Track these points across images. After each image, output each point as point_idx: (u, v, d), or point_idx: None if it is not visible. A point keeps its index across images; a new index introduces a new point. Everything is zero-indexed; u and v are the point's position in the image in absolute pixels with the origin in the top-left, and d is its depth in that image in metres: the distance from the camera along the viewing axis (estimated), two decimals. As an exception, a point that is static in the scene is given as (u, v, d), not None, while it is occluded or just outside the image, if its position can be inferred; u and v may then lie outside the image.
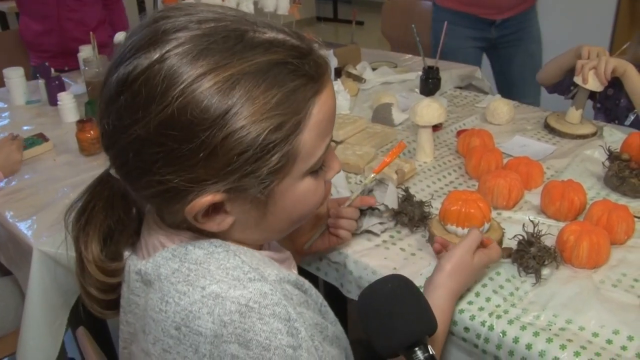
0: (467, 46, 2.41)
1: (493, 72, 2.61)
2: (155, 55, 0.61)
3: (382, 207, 1.18)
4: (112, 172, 0.72)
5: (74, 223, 0.77)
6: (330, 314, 0.79)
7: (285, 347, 0.63)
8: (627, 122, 1.71)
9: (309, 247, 1.11)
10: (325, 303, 0.78)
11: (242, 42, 0.62)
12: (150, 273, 0.70)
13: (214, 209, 0.67)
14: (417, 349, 0.77)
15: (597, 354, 0.88)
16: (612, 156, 1.39)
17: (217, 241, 0.71)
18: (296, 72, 0.64)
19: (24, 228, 1.32)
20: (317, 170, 0.72)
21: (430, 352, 0.77)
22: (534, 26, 2.47)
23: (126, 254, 0.77)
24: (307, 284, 0.74)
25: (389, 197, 1.18)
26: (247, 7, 2.12)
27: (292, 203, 0.71)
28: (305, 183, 0.70)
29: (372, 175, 1.12)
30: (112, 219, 0.77)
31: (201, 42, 0.61)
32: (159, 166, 0.62)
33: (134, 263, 0.74)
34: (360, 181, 1.40)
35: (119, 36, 2.14)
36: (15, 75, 2.14)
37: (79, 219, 0.77)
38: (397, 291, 0.82)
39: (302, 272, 1.10)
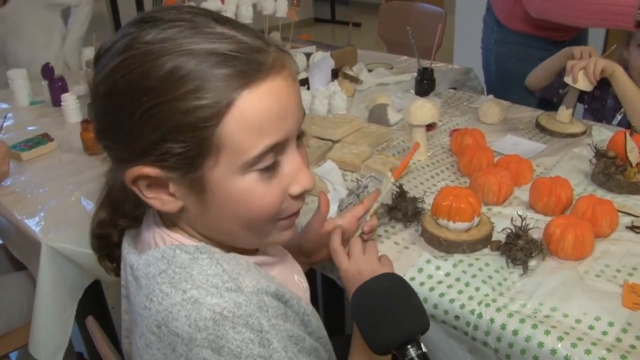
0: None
1: None
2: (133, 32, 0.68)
3: (376, 203, 1.23)
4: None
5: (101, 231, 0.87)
6: (313, 323, 0.80)
7: (256, 356, 0.66)
8: (615, 122, 1.77)
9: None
10: (309, 311, 0.80)
11: (194, 29, 0.67)
12: (140, 269, 0.74)
13: (157, 184, 0.71)
14: (409, 346, 0.78)
15: (579, 339, 0.93)
16: (599, 154, 1.44)
17: (204, 247, 0.74)
18: (227, 62, 0.65)
19: (33, 224, 1.38)
20: (268, 171, 0.71)
21: (423, 350, 0.79)
22: (586, 37, 2.35)
23: (125, 245, 0.82)
24: (288, 294, 0.75)
25: (384, 193, 1.23)
26: (247, 9, 2.17)
27: (232, 199, 0.71)
28: (246, 181, 0.70)
29: (392, 180, 1.11)
30: (114, 207, 0.85)
31: (160, 23, 0.67)
32: (107, 134, 0.71)
33: (129, 257, 0.78)
34: (357, 179, 1.45)
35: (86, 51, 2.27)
36: (18, 76, 2.19)
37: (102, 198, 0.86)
38: (391, 289, 0.83)
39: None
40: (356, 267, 0.97)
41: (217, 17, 0.70)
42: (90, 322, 0.99)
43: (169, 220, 0.78)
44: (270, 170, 0.71)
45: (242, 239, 0.77)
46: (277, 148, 0.71)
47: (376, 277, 0.86)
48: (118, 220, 0.86)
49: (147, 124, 0.66)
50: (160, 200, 0.72)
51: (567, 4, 1.70)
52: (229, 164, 0.68)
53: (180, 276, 0.70)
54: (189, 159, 0.67)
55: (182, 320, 0.67)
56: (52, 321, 1.35)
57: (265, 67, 0.67)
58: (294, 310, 0.77)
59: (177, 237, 0.76)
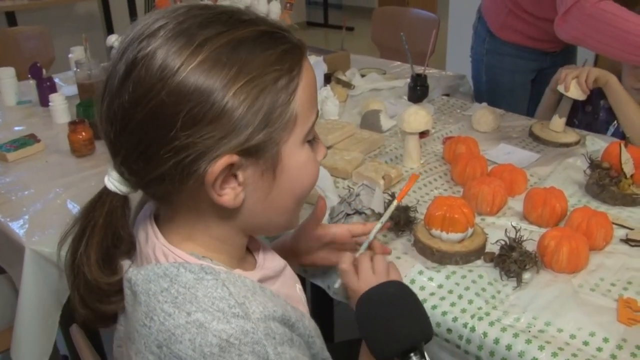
0: (527, 80, 2.23)
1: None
2: (160, 32, 0.65)
3: (368, 211, 1.21)
4: (110, 183, 0.73)
5: (73, 247, 0.76)
6: (317, 344, 0.80)
7: None
8: (609, 134, 1.76)
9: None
10: (314, 333, 0.79)
11: (232, 18, 0.69)
12: (140, 285, 0.71)
13: (227, 179, 0.69)
14: (412, 354, 0.78)
15: (574, 355, 0.91)
16: (593, 164, 1.43)
17: (209, 267, 0.71)
18: (283, 38, 0.70)
19: (16, 227, 1.34)
20: (312, 142, 0.76)
21: (426, 358, 0.79)
22: (575, 48, 2.31)
23: (124, 263, 0.78)
24: (294, 317, 0.75)
25: (375, 201, 1.21)
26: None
27: (296, 172, 0.73)
28: (305, 151, 0.74)
29: (394, 203, 1.07)
30: (112, 236, 0.76)
31: (197, 20, 0.67)
32: (178, 130, 0.64)
33: (128, 270, 0.75)
34: (348, 186, 1.43)
35: (112, 38, 2.16)
36: (6, 75, 2.15)
37: (80, 242, 0.76)
38: (395, 297, 0.83)
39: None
40: (366, 286, 0.93)
41: (238, 8, 0.73)
42: (75, 331, 0.96)
43: (180, 231, 0.75)
44: (312, 141, 0.76)
45: (284, 220, 0.80)
46: None
47: (380, 284, 0.86)
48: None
49: (240, 104, 0.65)
50: (232, 194, 0.70)
51: (612, 34, 1.54)
52: (297, 135, 0.72)
53: (185, 297, 0.68)
54: (279, 131, 0.69)
55: (186, 343, 0.65)
56: (36, 327, 1.32)
57: (302, 42, 0.73)
58: (300, 334, 0.76)
59: (180, 254, 0.73)
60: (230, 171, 0.68)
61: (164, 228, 0.76)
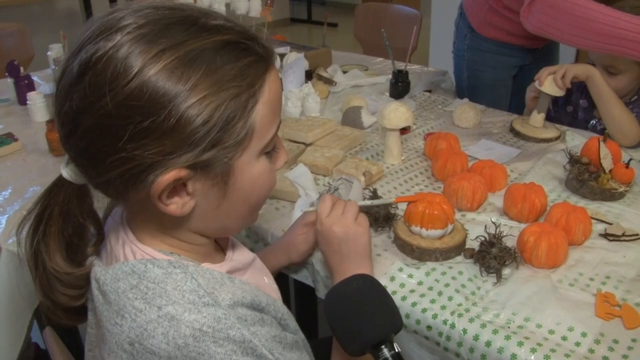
0: (509, 76, 2.22)
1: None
2: (117, 36, 0.63)
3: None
4: (66, 173, 0.72)
5: (31, 235, 0.75)
6: (291, 326, 0.80)
7: None
8: (590, 126, 1.77)
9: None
10: (285, 314, 0.80)
11: (196, 25, 0.66)
12: (108, 284, 0.70)
13: (175, 189, 0.68)
14: (383, 346, 0.79)
15: (553, 350, 0.91)
16: (573, 160, 1.43)
17: (177, 261, 0.71)
18: (248, 50, 0.68)
19: (-8, 227, 1.32)
20: (270, 153, 0.75)
21: (396, 350, 0.80)
22: (557, 45, 2.30)
23: (90, 259, 0.77)
24: (264, 302, 0.75)
25: (354, 193, 1.21)
26: (219, 9, 2.13)
27: (249, 183, 0.73)
28: (261, 163, 0.73)
29: (390, 200, 1.17)
30: (71, 225, 0.76)
31: (159, 24, 0.64)
32: (125, 141, 0.63)
33: (95, 269, 0.75)
34: (329, 183, 1.42)
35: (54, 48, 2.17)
36: (-17, 74, 2.13)
37: (37, 229, 0.75)
38: (362, 291, 0.83)
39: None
40: (330, 222, 0.99)
41: (206, 11, 0.71)
42: (48, 335, 0.94)
43: (145, 230, 0.75)
44: (271, 152, 0.76)
45: (239, 224, 0.81)
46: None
47: (346, 279, 0.87)
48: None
49: (192, 120, 0.64)
50: (179, 203, 0.69)
51: (573, 23, 1.56)
52: (253, 149, 0.71)
53: (154, 292, 0.68)
54: (232, 147, 0.68)
55: (159, 337, 0.65)
56: (4, 330, 1.30)
57: (270, 52, 0.71)
58: (272, 316, 0.76)
59: (148, 251, 0.73)
60: (178, 182, 0.67)
61: (133, 227, 0.76)
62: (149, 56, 0.62)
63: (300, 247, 1.13)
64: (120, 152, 0.63)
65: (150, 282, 0.69)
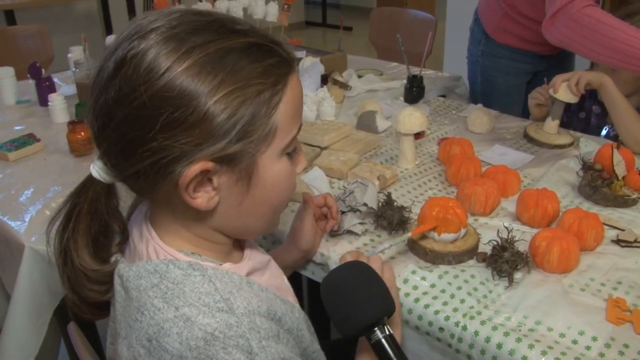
0: (523, 82, 2.22)
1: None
2: (151, 35, 0.67)
3: (363, 208, 1.23)
4: (95, 171, 0.75)
5: (60, 232, 0.79)
6: (307, 337, 0.83)
7: None
8: (603, 134, 1.78)
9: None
10: (303, 326, 0.82)
11: (224, 27, 0.70)
12: (131, 281, 0.73)
13: (202, 183, 0.71)
14: (376, 329, 0.82)
15: (563, 353, 0.93)
16: (586, 166, 1.44)
17: (197, 264, 0.74)
18: (272, 52, 0.72)
19: (16, 226, 1.36)
20: (291, 155, 0.78)
21: (388, 332, 0.82)
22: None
23: (115, 257, 0.80)
24: (280, 311, 0.77)
25: (369, 197, 1.23)
26: (237, 13, 2.17)
27: (271, 182, 0.75)
28: (282, 163, 0.76)
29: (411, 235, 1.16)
30: (97, 223, 0.79)
31: (190, 25, 0.69)
32: (157, 131, 0.66)
33: (119, 266, 0.78)
34: (344, 186, 1.44)
35: (110, 38, 2.17)
36: (5, 75, 2.16)
37: (66, 226, 0.78)
38: (355, 276, 0.86)
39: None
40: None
41: (232, 18, 0.75)
42: (72, 329, 0.97)
43: (168, 228, 0.77)
44: (292, 153, 0.78)
45: (260, 226, 0.82)
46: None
47: (342, 265, 0.90)
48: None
49: (220, 112, 0.67)
50: (205, 197, 0.72)
51: (596, 39, 1.55)
52: (275, 147, 0.73)
53: (173, 292, 0.70)
54: (257, 142, 0.71)
55: (174, 337, 0.67)
56: (25, 327, 1.33)
57: (292, 56, 0.75)
58: (287, 328, 0.78)
59: (169, 251, 0.76)
60: (205, 176, 0.70)
61: (156, 225, 0.79)
62: (180, 52, 0.66)
63: (305, 234, 1.15)
64: (151, 142, 0.67)
65: (170, 282, 0.71)
